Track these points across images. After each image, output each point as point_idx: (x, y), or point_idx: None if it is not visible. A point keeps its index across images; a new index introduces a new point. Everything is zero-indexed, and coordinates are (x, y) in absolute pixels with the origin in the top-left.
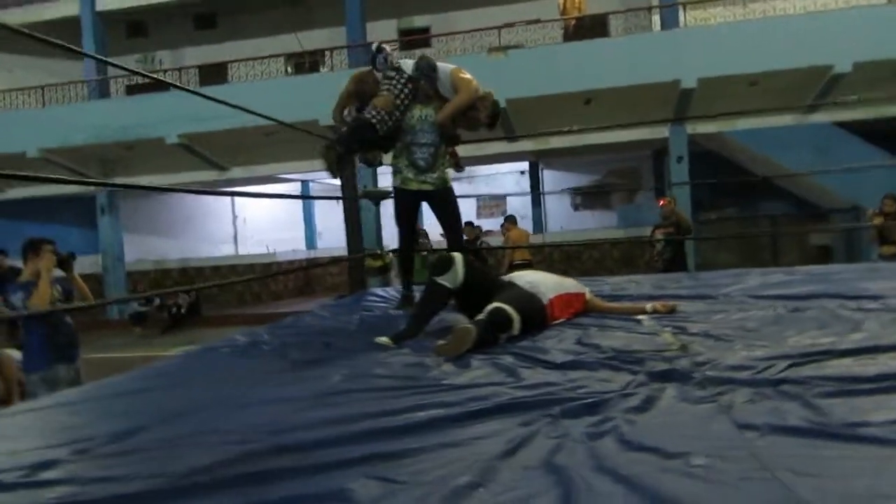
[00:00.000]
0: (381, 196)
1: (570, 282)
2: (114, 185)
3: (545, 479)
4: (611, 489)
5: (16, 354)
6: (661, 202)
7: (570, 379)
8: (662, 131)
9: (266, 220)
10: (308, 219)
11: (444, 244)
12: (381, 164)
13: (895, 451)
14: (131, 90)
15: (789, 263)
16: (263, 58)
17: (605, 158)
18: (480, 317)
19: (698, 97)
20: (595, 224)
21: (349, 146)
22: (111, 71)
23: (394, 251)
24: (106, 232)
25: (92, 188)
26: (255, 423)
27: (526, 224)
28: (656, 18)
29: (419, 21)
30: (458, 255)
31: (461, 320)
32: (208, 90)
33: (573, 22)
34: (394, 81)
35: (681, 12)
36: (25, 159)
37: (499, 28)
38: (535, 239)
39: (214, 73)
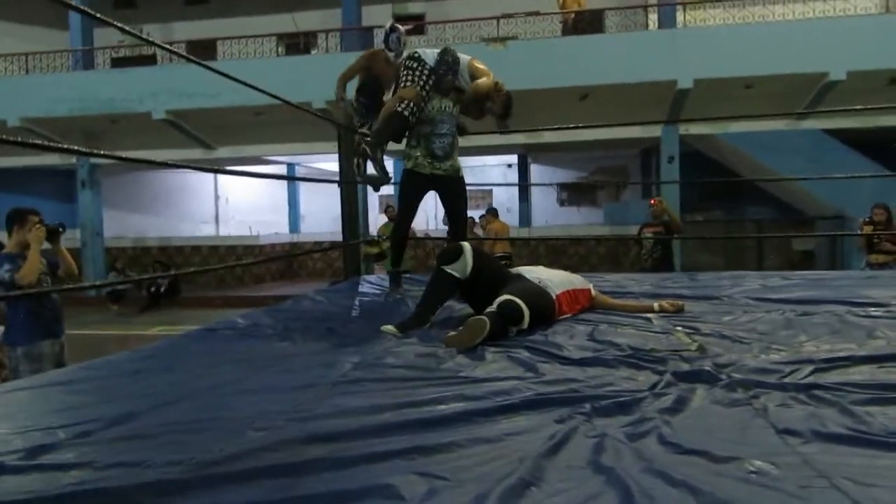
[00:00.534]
0: (381, 182)
1: (577, 278)
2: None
3: (596, 480)
4: (669, 492)
5: None
6: (652, 202)
7: (592, 376)
8: (654, 130)
9: (249, 202)
10: (293, 202)
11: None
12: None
13: None
14: (117, 63)
15: (773, 267)
16: (255, 36)
17: (593, 155)
18: (491, 308)
19: (693, 98)
20: (580, 220)
21: (384, 140)
22: (97, 42)
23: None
24: (86, 206)
25: (73, 161)
26: (272, 409)
27: (511, 218)
28: (653, 17)
29: (414, 7)
30: (466, 245)
31: (466, 311)
32: (197, 67)
33: (572, 16)
34: (416, 73)
35: (678, 12)
36: (6, 128)
37: (497, 18)
38: (522, 233)
39: (203, 50)
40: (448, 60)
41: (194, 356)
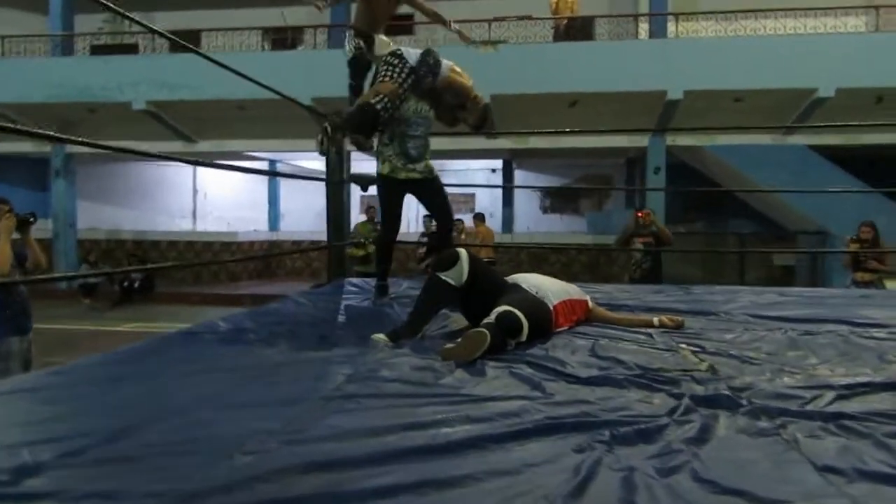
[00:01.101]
0: (368, 182)
1: (574, 288)
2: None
3: None
4: None
5: None
6: (640, 213)
7: (603, 397)
8: (641, 140)
9: (228, 198)
10: (273, 199)
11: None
12: (373, 147)
13: None
14: (97, 50)
15: (754, 281)
16: (240, 29)
17: (578, 163)
18: (489, 320)
19: (682, 109)
20: (563, 228)
21: (350, 126)
22: (77, 28)
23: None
24: (59, 196)
25: (47, 149)
26: (261, 427)
27: (494, 223)
28: (643, 27)
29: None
30: (463, 252)
31: (461, 320)
32: (180, 58)
33: (564, 22)
34: (396, 70)
35: (670, 23)
36: None
37: (489, 21)
38: (505, 238)
39: (186, 41)
40: (429, 62)
41: (174, 363)
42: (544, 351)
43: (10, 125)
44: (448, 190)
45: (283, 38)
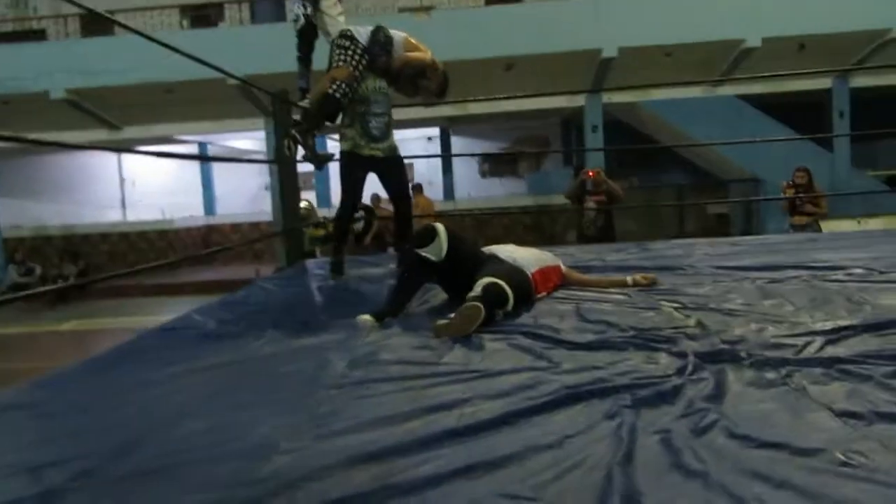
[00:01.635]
0: (325, 159)
1: (547, 254)
2: None
3: (696, 488)
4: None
5: None
6: (591, 173)
7: (610, 362)
8: (578, 100)
9: (157, 184)
10: (207, 183)
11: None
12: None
13: None
14: (1, 38)
15: (691, 231)
16: (155, 8)
17: (514, 125)
18: (475, 292)
19: (616, 66)
20: (503, 191)
21: (316, 124)
22: None
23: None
24: None
25: None
26: (284, 424)
27: (434, 191)
28: None
29: None
30: (440, 226)
31: (441, 295)
32: (98, 42)
33: None
34: (349, 52)
35: None
36: None
37: None
38: (448, 206)
39: (100, 23)
40: (380, 40)
41: (163, 364)
42: (532, 319)
43: None
44: None
45: (204, 16)
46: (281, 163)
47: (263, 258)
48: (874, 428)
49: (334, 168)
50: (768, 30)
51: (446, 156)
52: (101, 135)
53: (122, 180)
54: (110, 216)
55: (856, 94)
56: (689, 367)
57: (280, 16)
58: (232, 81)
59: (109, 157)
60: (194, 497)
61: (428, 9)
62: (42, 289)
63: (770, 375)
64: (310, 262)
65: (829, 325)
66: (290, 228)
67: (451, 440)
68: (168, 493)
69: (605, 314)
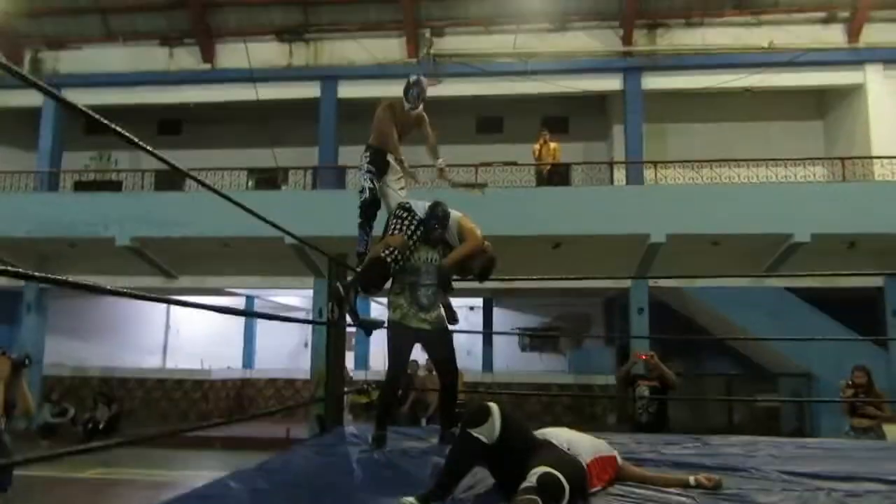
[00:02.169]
0: (374, 325)
1: (603, 443)
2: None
3: None
4: None
5: None
6: (644, 356)
7: None
8: (624, 281)
9: (201, 333)
10: (249, 335)
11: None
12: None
13: None
14: (80, 187)
15: (740, 424)
16: (225, 169)
17: (557, 302)
18: (529, 483)
19: (663, 251)
20: (543, 367)
21: (367, 286)
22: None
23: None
24: (29, 331)
25: (20, 282)
26: None
27: (473, 361)
28: (618, 175)
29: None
30: (494, 406)
31: (489, 479)
32: (167, 196)
33: (548, 168)
34: (406, 222)
35: (647, 169)
36: None
37: (475, 166)
38: (486, 378)
39: (173, 180)
40: (438, 214)
41: None
42: None
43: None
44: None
45: (270, 179)
46: (331, 325)
47: (295, 417)
48: None
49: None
50: (818, 226)
51: (487, 332)
52: (157, 282)
53: (167, 327)
54: (150, 361)
55: None
56: None
57: (340, 183)
58: (288, 241)
59: (159, 304)
60: None
61: (482, 185)
62: (95, 444)
63: None
64: (348, 429)
65: None
66: (332, 392)
67: None
68: None
69: None
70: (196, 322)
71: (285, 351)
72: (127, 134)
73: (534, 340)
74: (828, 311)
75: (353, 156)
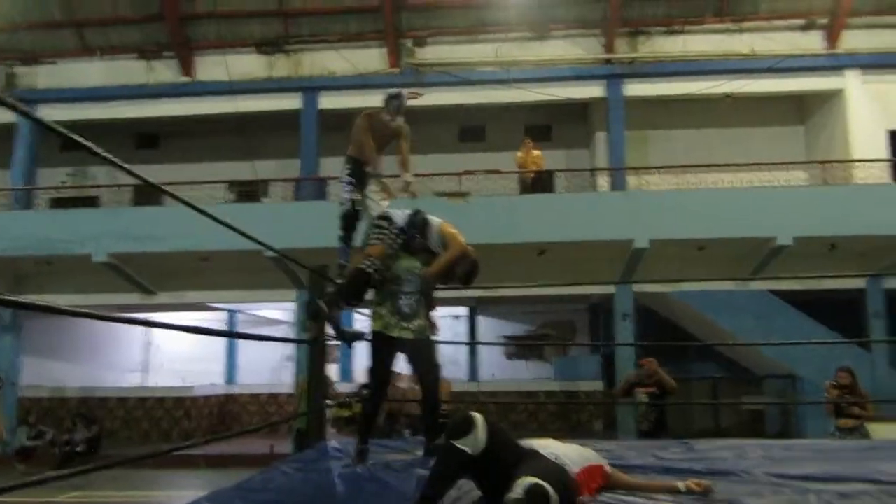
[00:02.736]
0: (355, 337)
1: (591, 452)
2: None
3: None
4: None
5: None
6: (643, 363)
7: None
8: (608, 287)
9: (182, 350)
10: (231, 351)
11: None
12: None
13: None
14: (57, 204)
15: (726, 427)
16: (204, 182)
17: (542, 309)
18: (516, 495)
19: (648, 257)
20: (528, 375)
21: (349, 298)
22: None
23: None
24: (3, 351)
25: None
26: None
27: (459, 371)
28: (601, 181)
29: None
30: (478, 416)
31: (474, 492)
32: (144, 211)
33: (531, 176)
34: (385, 231)
35: (630, 175)
36: None
37: (459, 174)
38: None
39: (151, 194)
40: (417, 222)
41: None
42: None
43: None
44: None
45: (250, 192)
46: (312, 342)
47: (279, 433)
48: None
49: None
50: (800, 230)
51: (472, 343)
52: (136, 298)
53: (147, 344)
54: (131, 380)
55: (891, 295)
56: None
57: (321, 195)
58: (268, 253)
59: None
60: None
61: (464, 194)
62: (69, 471)
63: None
64: (331, 444)
65: None
66: (315, 406)
67: None
68: None
69: None
70: (177, 338)
71: (268, 365)
72: (100, 151)
73: (520, 349)
74: (811, 314)
75: (334, 167)
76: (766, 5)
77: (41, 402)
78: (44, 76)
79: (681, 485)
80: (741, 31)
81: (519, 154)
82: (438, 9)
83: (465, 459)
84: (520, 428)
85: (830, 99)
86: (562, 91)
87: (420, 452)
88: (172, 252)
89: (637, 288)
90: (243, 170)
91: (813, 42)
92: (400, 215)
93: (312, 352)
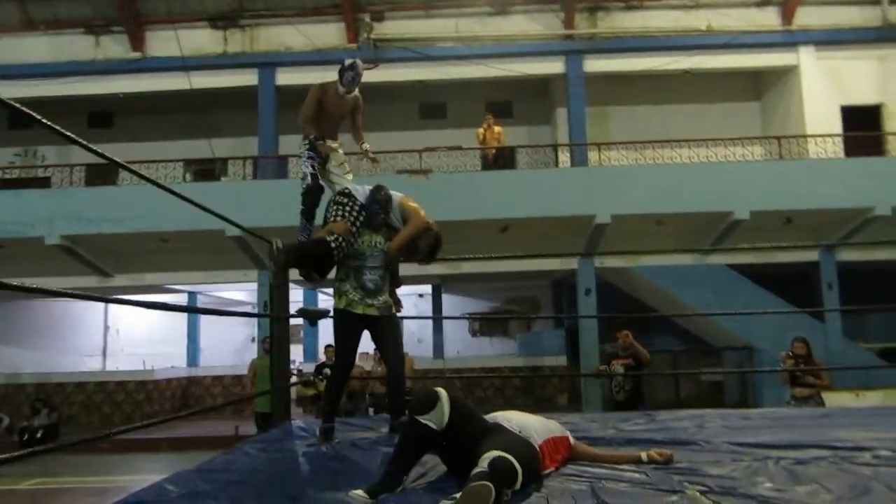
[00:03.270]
0: (317, 315)
1: (554, 424)
2: None
3: None
4: None
5: None
6: (619, 336)
7: None
8: (571, 263)
9: (142, 333)
10: (192, 333)
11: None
12: (323, 316)
13: None
14: (6, 185)
15: (686, 398)
16: (160, 161)
17: (505, 286)
18: (481, 468)
19: (609, 232)
20: (493, 351)
21: (301, 262)
22: None
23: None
24: None
25: None
26: None
27: (424, 349)
28: (563, 157)
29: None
30: (442, 391)
31: (440, 467)
32: (98, 191)
33: (493, 152)
34: (347, 208)
35: (591, 151)
36: None
37: (419, 151)
38: (437, 364)
39: (104, 174)
40: (380, 199)
41: None
42: (545, 500)
43: None
44: None
45: (208, 171)
46: (273, 317)
47: (244, 414)
48: None
49: (323, 321)
50: (757, 204)
51: (437, 318)
52: (92, 282)
53: (106, 328)
54: (89, 364)
55: (843, 267)
56: None
57: (281, 173)
58: (230, 232)
59: (96, 305)
60: None
61: (426, 171)
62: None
63: None
64: (295, 423)
65: None
66: (278, 385)
67: None
68: None
69: (625, 496)
70: (136, 322)
71: (231, 347)
72: (57, 127)
73: (484, 326)
74: (767, 286)
75: (293, 144)
76: None
77: None
78: None
79: (643, 455)
80: (698, 6)
81: (480, 131)
82: None
83: (430, 434)
84: (486, 404)
85: (785, 75)
86: (522, 67)
87: (385, 430)
88: (129, 233)
89: (598, 263)
90: (200, 148)
91: (768, 18)
92: (361, 191)
93: (273, 328)
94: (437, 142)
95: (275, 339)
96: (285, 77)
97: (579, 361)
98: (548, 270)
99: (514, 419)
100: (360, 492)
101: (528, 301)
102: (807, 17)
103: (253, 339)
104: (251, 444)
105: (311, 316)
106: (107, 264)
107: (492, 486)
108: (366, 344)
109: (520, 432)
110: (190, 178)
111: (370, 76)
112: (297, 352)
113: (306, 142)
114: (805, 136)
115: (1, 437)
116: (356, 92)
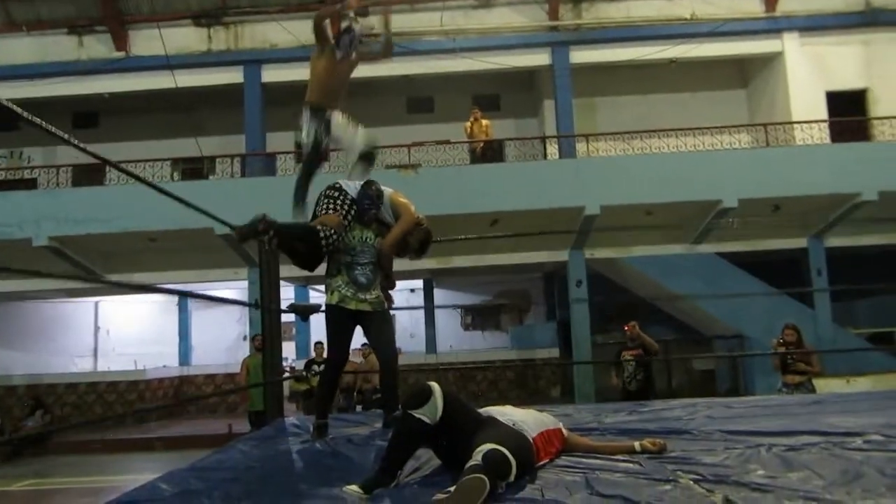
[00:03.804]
0: (309, 311)
1: (548, 416)
2: None
3: None
4: None
5: None
6: (626, 328)
7: None
8: (561, 255)
9: (133, 333)
10: (184, 332)
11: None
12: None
13: None
14: None
15: (678, 387)
16: (147, 160)
17: (497, 279)
18: (475, 462)
19: (599, 223)
20: (485, 345)
21: (282, 241)
22: None
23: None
24: None
25: None
26: None
27: (417, 343)
28: (551, 149)
29: None
30: (435, 386)
31: (434, 461)
32: (86, 191)
33: (480, 146)
34: (338, 202)
35: (579, 143)
36: None
37: (408, 146)
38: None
39: (91, 174)
40: (371, 194)
41: None
42: (538, 491)
43: None
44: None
45: (195, 170)
46: (265, 308)
47: (237, 412)
48: None
49: (315, 319)
50: (744, 191)
51: (430, 307)
52: (81, 283)
53: (96, 329)
54: (81, 365)
55: (832, 253)
56: None
57: (269, 171)
58: (219, 230)
59: (86, 305)
60: None
61: (415, 166)
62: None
63: None
64: (288, 419)
65: None
66: (270, 381)
67: None
68: None
69: (619, 487)
70: (127, 322)
71: (223, 345)
72: (50, 128)
73: (476, 319)
74: (756, 274)
75: (281, 142)
76: None
77: None
78: None
79: (637, 444)
80: None
81: (467, 124)
82: None
83: (423, 429)
84: (480, 397)
85: (770, 62)
86: (508, 59)
87: (379, 425)
88: (117, 233)
89: (589, 255)
90: (187, 147)
91: (752, 5)
92: (352, 186)
93: (265, 324)
94: (425, 136)
95: (266, 334)
96: (271, 74)
97: (571, 353)
98: (539, 263)
99: (507, 413)
100: (354, 487)
101: (520, 294)
102: (790, 4)
103: (245, 338)
104: (245, 442)
105: (303, 311)
106: (95, 265)
107: (486, 478)
108: (357, 339)
109: (513, 425)
110: (177, 177)
111: (357, 72)
112: (289, 349)
113: (305, 111)
114: (791, 123)
115: None
116: (354, 56)
